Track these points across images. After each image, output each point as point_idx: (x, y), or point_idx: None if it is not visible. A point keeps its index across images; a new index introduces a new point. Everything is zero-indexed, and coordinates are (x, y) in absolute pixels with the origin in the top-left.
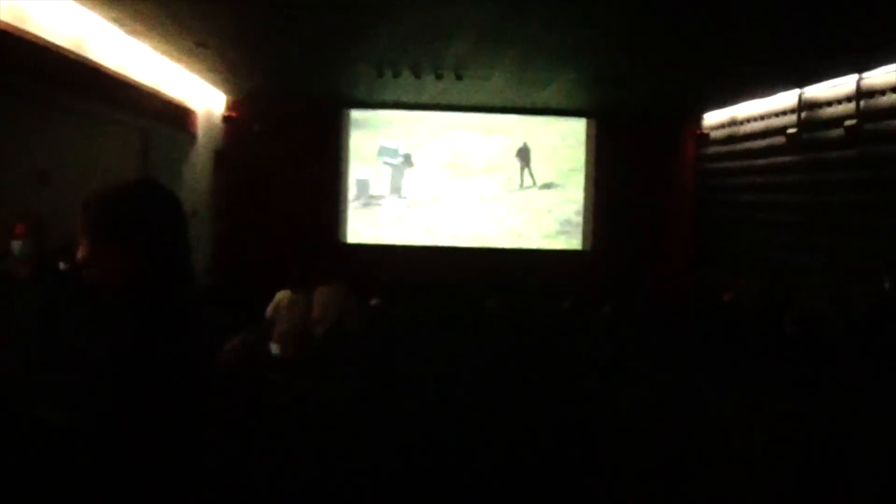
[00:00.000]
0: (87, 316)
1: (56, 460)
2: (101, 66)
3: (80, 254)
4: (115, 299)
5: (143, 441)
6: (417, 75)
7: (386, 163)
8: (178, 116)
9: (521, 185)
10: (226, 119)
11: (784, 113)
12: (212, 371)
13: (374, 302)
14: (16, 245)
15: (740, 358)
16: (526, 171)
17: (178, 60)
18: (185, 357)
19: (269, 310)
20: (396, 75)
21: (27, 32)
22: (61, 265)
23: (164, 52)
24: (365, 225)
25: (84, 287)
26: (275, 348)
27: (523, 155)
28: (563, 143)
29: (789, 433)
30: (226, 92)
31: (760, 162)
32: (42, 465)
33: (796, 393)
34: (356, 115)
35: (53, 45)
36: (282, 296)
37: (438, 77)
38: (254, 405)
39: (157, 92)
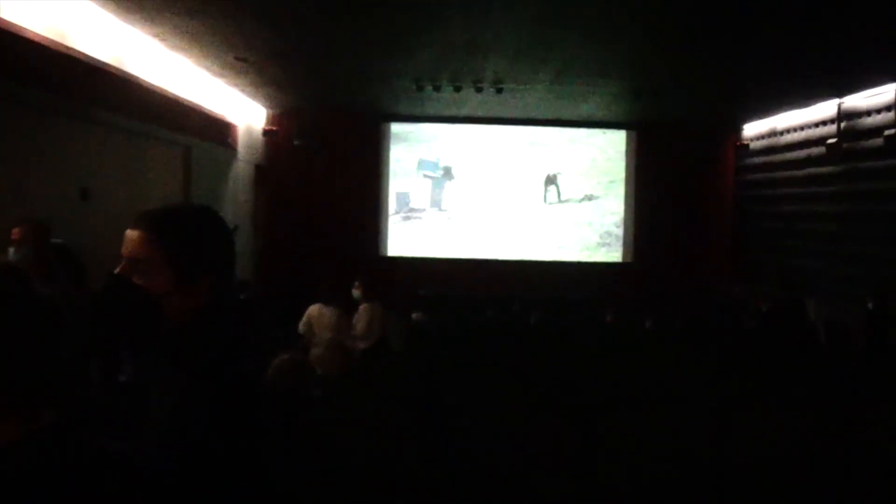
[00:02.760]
0: (156, 346)
1: (127, 494)
2: (143, 81)
3: (150, 280)
4: (184, 329)
5: (220, 473)
6: (457, 89)
7: (426, 176)
8: (218, 131)
9: (560, 199)
10: (266, 133)
11: (823, 123)
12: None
13: (415, 316)
14: (11, 251)
15: (776, 371)
16: (552, 188)
17: (219, 75)
18: (252, 383)
19: (302, 325)
20: (436, 89)
21: (68, 48)
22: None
23: (204, 67)
24: (405, 238)
25: (155, 315)
26: (318, 370)
27: (550, 179)
28: (602, 155)
29: (820, 446)
30: (266, 106)
31: (800, 172)
32: (112, 498)
33: (827, 405)
34: (396, 128)
35: (95, 60)
36: (313, 310)
37: (478, 90)
38: (298, 421)
39: (198, 107)
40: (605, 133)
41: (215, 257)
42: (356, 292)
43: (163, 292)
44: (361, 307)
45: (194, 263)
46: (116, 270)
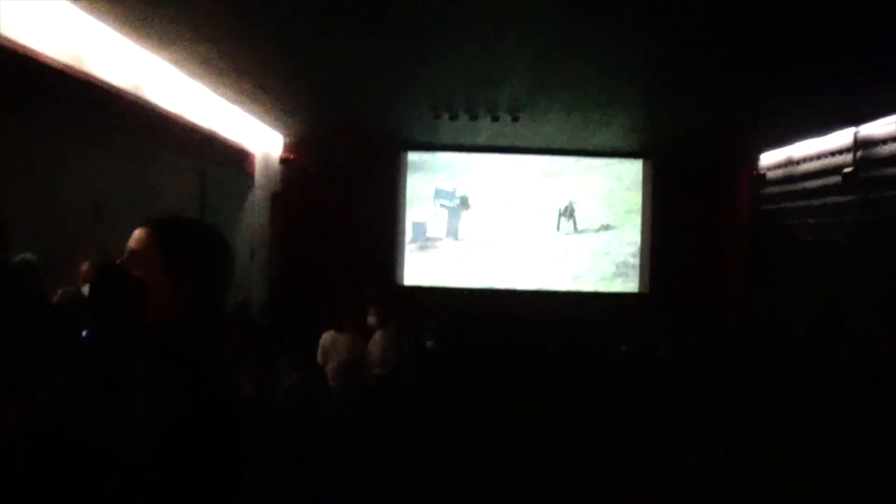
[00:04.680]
0: (136, 342)
1: (117, 490)
2: (159, 107)
3: (145, 271)
4: (164, 328)
5: (201, 466)
6: (473, 117)
7: (442, 205)
8: (235, 159)
9: (576, 228)
10: (283, 161)
11: (840, 152)
12: (268, 406)
13: (429, 344)
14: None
15: (795, 396)
16: (568, 219)
17: (237, 102)
18: (231, 385)
19: (319, 356)
20: (453, 117)
21: (85, 73)
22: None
23: (222, 95)
24: (422, 267)
25: (141, 306)
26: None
27: (568, 212)
28: (618, 184)
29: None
30: (284, 134)
31: (817, 202)
32: (102, 495)
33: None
34: (413, 157)
35: (112, 85)
36: (326, 338)
37: (494, 119)
38: (309, 442)
39: (215, 134)
40: (621, 162)
41: (208, 265)
42: (371, 318)
43: (154, 286)
44: (377, 333)
45: (186, 264)
46: (119, 260)
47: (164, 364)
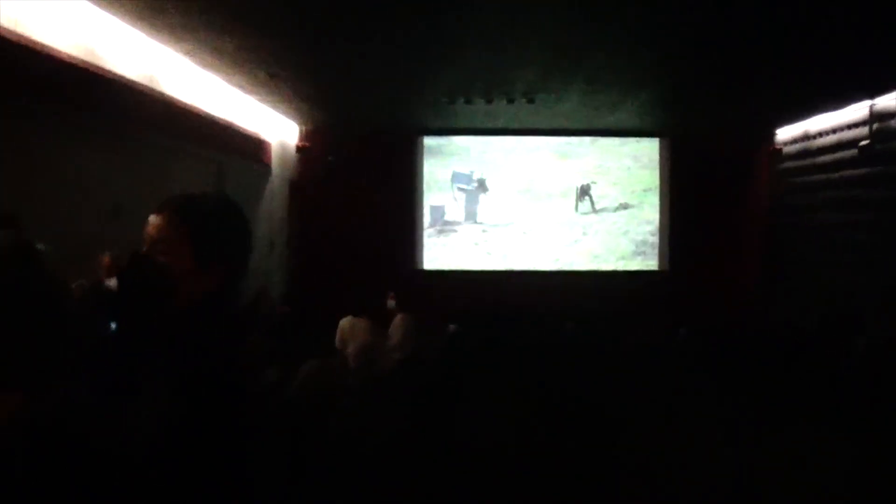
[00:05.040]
0: (161, 326)
1: (128, 479)
2: (175, 99)
3: (171, 258)
4: (189, 310)
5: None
6: (489, 101)
7: (460, 189)
8: (252, 148)
9: (594, 208)
10: (299, 149)
11: (856, 125)
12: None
13: (451, 328)
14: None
15: (810, 384)
16: (585, 199)
17: (251, 92)
18: (251, 372)
19: (337, 341)
20: (468, 102)
21: (99, 67)
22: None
23: (236, 84)
24: (441, 252)
25: (171, 291)
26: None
27: (584, 190)
28: (636, 163)
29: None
30: (299, 122)
31: (834, 176)
32: (113, 484)
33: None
34: (429, 142)
35: (126, 79)
36: (345, 323)
37: (510, 101)
38: (326, 428)
39: (231, 124)
40: (638, 142)
41: (231, 242)
42: (391, 302)
43: (182, 270)
44: (397, 318)
45: (212, 245)
46: (142, 251)
47: (185, 346)
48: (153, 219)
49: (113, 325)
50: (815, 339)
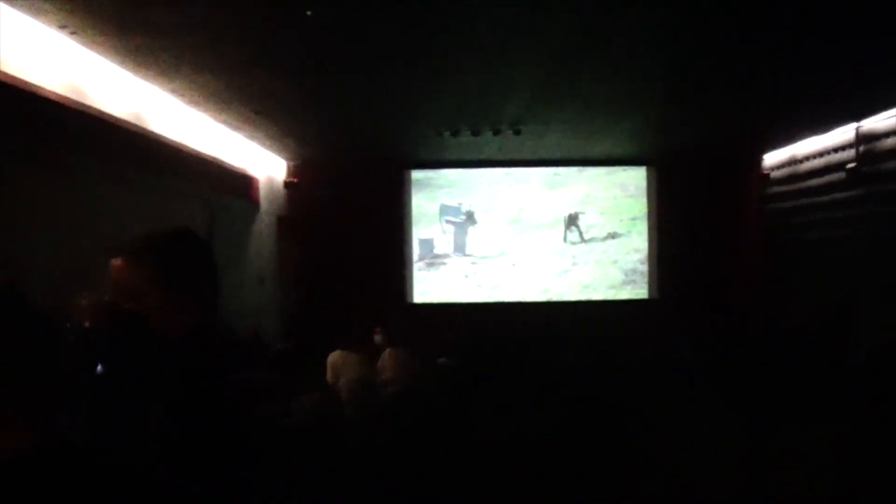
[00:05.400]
0: (151, 359)
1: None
2: (161, 137)
3: (138, 303)
4: (177, 342)
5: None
6: (475, 132)
7: (448, 221)
8: (239, 185)
9: (582, 238)
10: (287, 185)
11: (843, 148)
12: (284, 423)
13: (441, 360)
14: None
15: (807, 394)
16: (573, 228)
17: (238, 129)
18: (242, 400)
19: (329, 376)
20: (455, 134)
21: (85, 105)
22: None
23: (222, 121)
24: (431, 284)
25: (147, 334)
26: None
27: (572, 219)
28: (623, 192)
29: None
30: (286, 158)
31: (823, 199)
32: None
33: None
34: (417, 175)
35: (112, 117)
36: (335, 357)
37: (496, 133)
38: (324, 461)
39: (218, 161)
40: (625, 170)
41: (197, 274)
42: (378, 338)
43: (151, 312)
44: (386, 352)
45: (175, 280)
46: (106, 298)
47: (178, 376)
48: (115, 262)
49: (99, 367)
50: (813, 341)
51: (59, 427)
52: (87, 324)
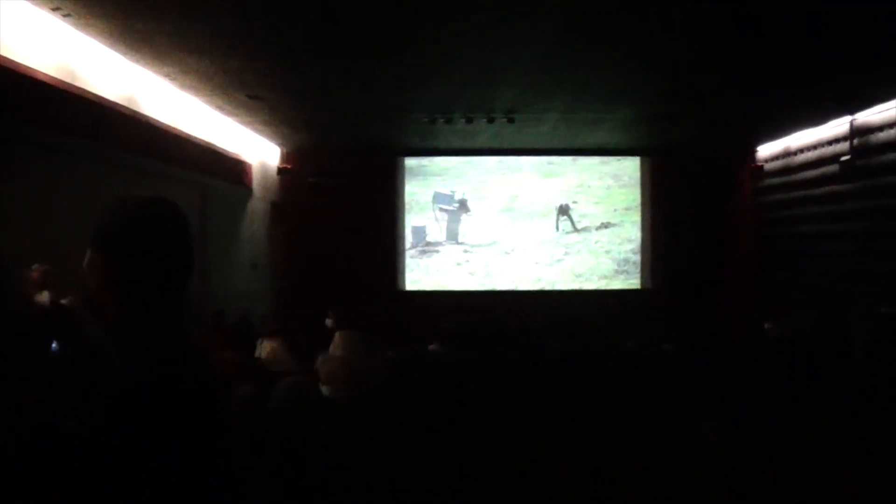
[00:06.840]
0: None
1: (65, 466)
2: (155, 121)
3: (100, 299)
4: (127, 333)
5: (157, 449)
6: (469, 120)
7: (441, 209)
8: (233, 170)
9: (575, 228)
10: (281, 171)
11: (837, 141)
12: (263, 406)
13: (432, 347)
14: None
15: (800, 389)
16: (565, 218)
17: (231, 114)
18: (211, 384)
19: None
20: (448, 121)
21: (78, 88)
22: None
23: (216, 106)
24: (423, 272)
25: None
26: (325, 389)
27: (563, 210)
28: (617, 182)
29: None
30: (280, 144)
31: (817, 191)
32: (50, 470)
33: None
34: (411, 162)
35: (105, 100)
36: (336, 338)
37: (490, 121)
38: (304, 444)
39: (212, 146)
40: (619, 160)
41: (164, 252)
42: (329, 321)
43: (101, 301)
44: (336, 335)
45: (120, 268)
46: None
47: (125, 356)
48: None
49: (54, 345)
50: (810, 335)
51: (21, 404)
52: (38, 297)
